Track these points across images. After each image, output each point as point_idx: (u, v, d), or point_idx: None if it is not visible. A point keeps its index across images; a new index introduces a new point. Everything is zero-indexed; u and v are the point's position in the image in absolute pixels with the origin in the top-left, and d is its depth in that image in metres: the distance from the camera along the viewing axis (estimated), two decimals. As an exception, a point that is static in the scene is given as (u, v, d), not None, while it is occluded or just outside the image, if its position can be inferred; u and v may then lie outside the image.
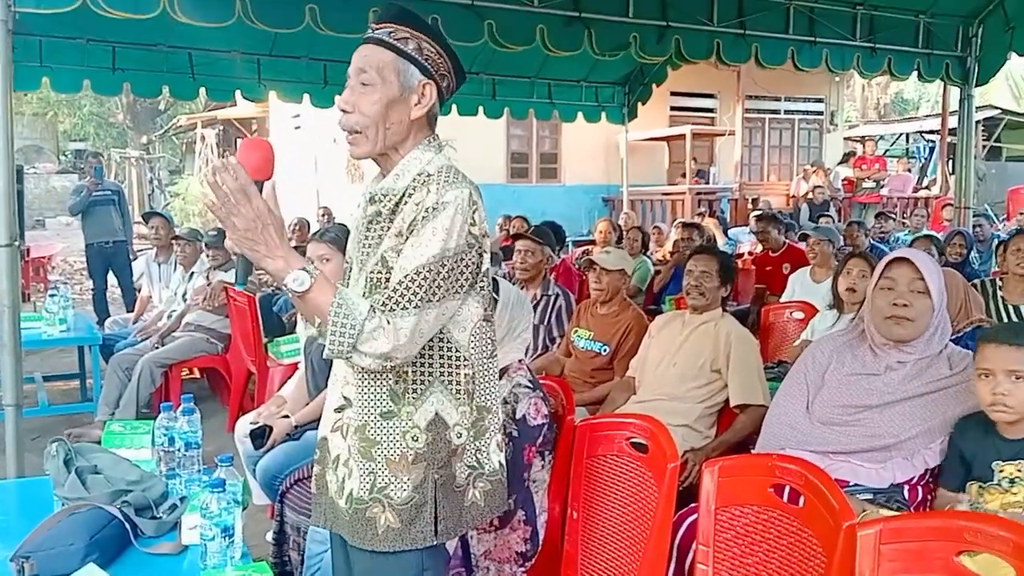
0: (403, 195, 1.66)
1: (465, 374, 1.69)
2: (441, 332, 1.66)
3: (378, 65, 1.65)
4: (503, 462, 1.81)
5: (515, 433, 2.32)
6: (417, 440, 1.66)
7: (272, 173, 1.62)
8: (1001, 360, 2.05)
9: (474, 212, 1.63)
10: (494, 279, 2.49)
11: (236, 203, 1.50)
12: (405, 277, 1.58)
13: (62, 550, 1.78)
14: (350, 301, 1.56)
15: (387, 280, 1.63)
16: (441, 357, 1.68)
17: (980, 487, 2.11)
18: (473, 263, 1.64)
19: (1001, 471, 2.06)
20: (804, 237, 5.76)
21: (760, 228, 6.78)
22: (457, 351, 1.69)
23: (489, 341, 1.76)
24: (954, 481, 2.19)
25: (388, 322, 1.55)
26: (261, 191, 1.55)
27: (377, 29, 1.68)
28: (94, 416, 5.06)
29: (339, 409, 1.75)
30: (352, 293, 1.61)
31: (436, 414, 1.67)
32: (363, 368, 1.62)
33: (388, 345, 1.56)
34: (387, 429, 1.66)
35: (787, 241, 6.78)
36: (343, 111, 1.69)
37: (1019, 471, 2.05)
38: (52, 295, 5.35)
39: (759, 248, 7.44)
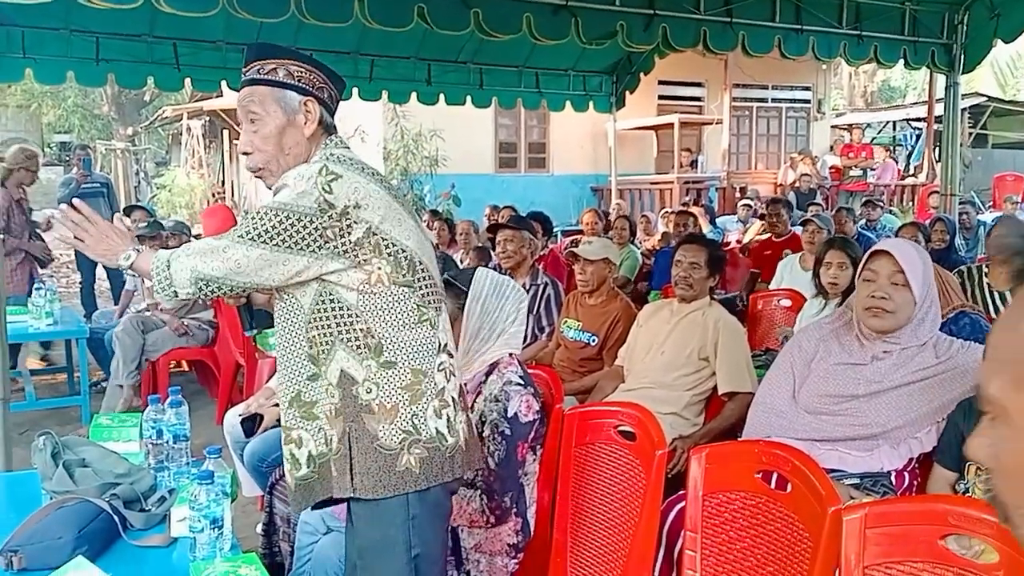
0: None
1: (360, 329, 1.76)
2: (330, 293, 1.76)
3: (259, 101, 1.83)
4: (442, 430, 1.81)
5: (508, 431, 2.32)
6: (333, 396, 1.78)
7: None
8: None
9: (330, 181, 1.71)
10: (472, 270, 2.50)
11: (85, 230, 1.83)
12: (246, 213, 1.78)
13: (50, 543, 1.79)
14: (159, 254, 1.79)
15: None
16: (335, 316, 1.77)
17: (979, 469, 2.11)
18: (326, 227, 1.70)
19: None
20: (806, 223, 5.76)
21: (772, 212, 6.76)
22: (348, 309, 1.77)
23: (399, 305, 1.78)
24: (949, 459, 2.21)
25: (225, 249, 1.71)
26: None
27: (247, 71, 1.85)
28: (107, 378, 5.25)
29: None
30: (162, 252, 1.81)
31: (342, 371, 1.77)
32: (188, 300, 1.88)
33: (211, 268, 1.72)
34: (316, 389, 1.80)
35: (791, 228, 6.79)
36: (245, 154, 1.88)
37: None
38: (38, 289, 5.30)
39: (748, 236, 7.43)
